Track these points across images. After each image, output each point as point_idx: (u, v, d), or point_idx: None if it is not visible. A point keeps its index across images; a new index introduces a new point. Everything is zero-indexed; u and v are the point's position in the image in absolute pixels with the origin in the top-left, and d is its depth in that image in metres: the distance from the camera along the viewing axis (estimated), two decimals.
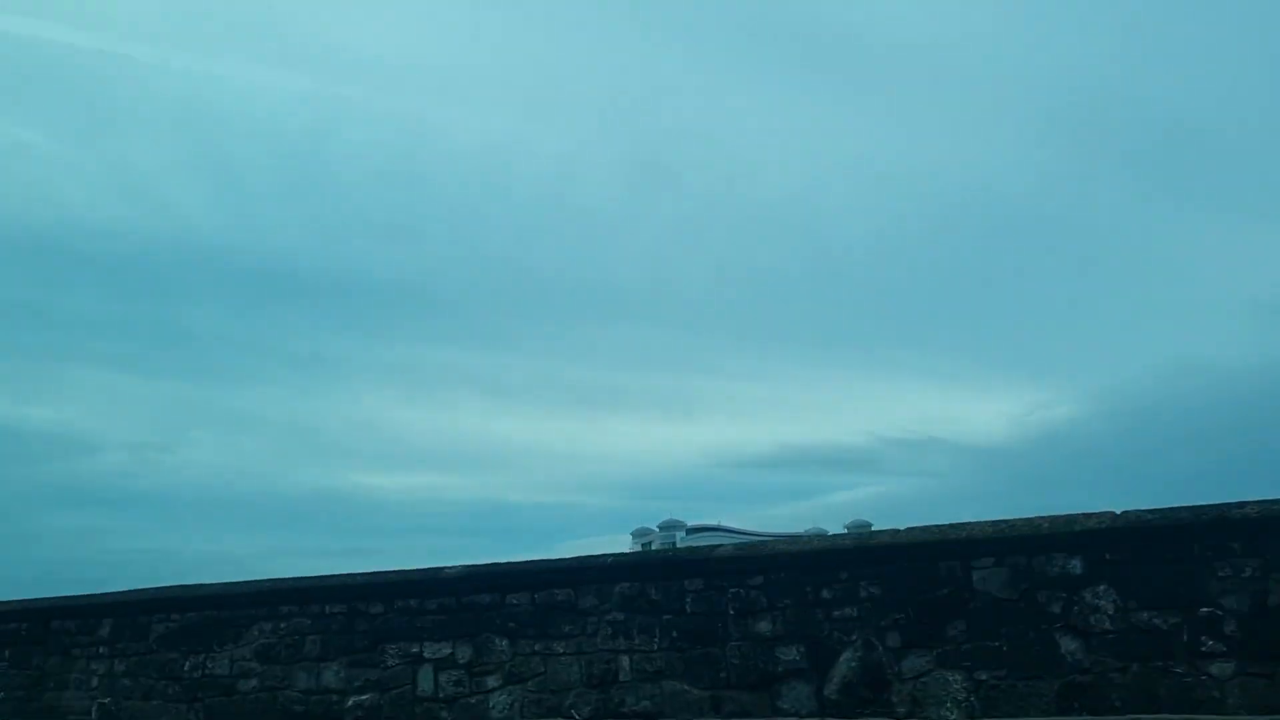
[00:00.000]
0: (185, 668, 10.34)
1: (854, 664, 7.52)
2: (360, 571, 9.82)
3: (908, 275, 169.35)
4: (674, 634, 8.21)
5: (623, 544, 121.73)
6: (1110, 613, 6.86)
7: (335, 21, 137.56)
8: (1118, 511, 7.02)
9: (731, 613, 8.05)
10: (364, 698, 9.29)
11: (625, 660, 8.32)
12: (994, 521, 7.33)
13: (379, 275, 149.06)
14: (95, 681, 10.77)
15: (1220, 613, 6.56)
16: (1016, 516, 7.22)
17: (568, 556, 9.06)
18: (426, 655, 9.15)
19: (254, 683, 9.88)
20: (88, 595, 11.40)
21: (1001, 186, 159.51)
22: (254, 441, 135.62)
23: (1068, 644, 6.94)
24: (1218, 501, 6.67)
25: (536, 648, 8.70)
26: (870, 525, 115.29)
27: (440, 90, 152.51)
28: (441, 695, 8.97)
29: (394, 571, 9.61)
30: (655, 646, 8.24)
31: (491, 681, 8.80)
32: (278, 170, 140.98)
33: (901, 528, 7.73)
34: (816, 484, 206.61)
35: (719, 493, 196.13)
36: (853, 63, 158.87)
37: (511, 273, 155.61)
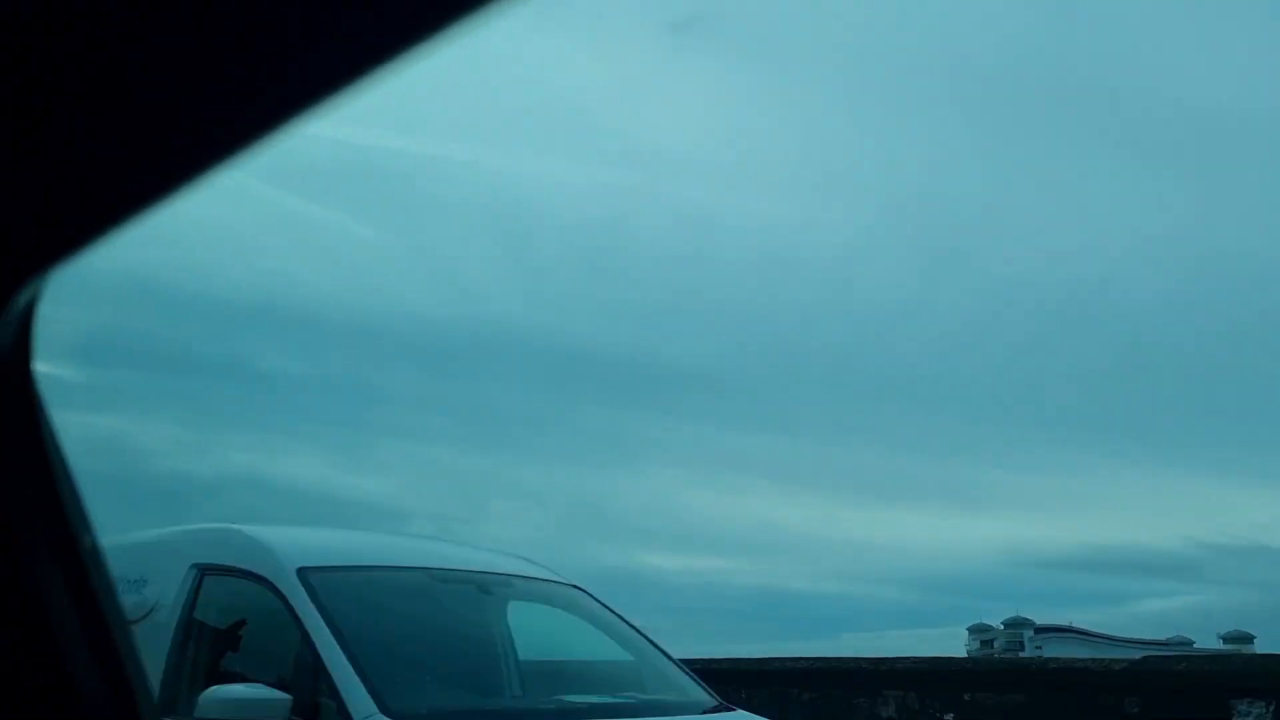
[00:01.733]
0: None
1: None
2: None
3: (1234, 367, 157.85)
4: None
5: (955, 641, 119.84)
6: None
7: (629, 116, 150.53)
8: None
9: None
10: None
11: None
12: None
13: (669, 357, 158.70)
14: None
15: None
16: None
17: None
18: None
19: None
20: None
21: None
22: (548, 515, 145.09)
23: None
24: None
25: None
26: (1253, 638, 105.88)
27: (729, 177, 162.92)
28: None
29: None
30: None
31: None
32: (577, 258, 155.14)
33: None
34: (1125, 590, 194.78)
35: (1016, 592, 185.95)
36: (1169, 137, 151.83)
37: (799, 357, 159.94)
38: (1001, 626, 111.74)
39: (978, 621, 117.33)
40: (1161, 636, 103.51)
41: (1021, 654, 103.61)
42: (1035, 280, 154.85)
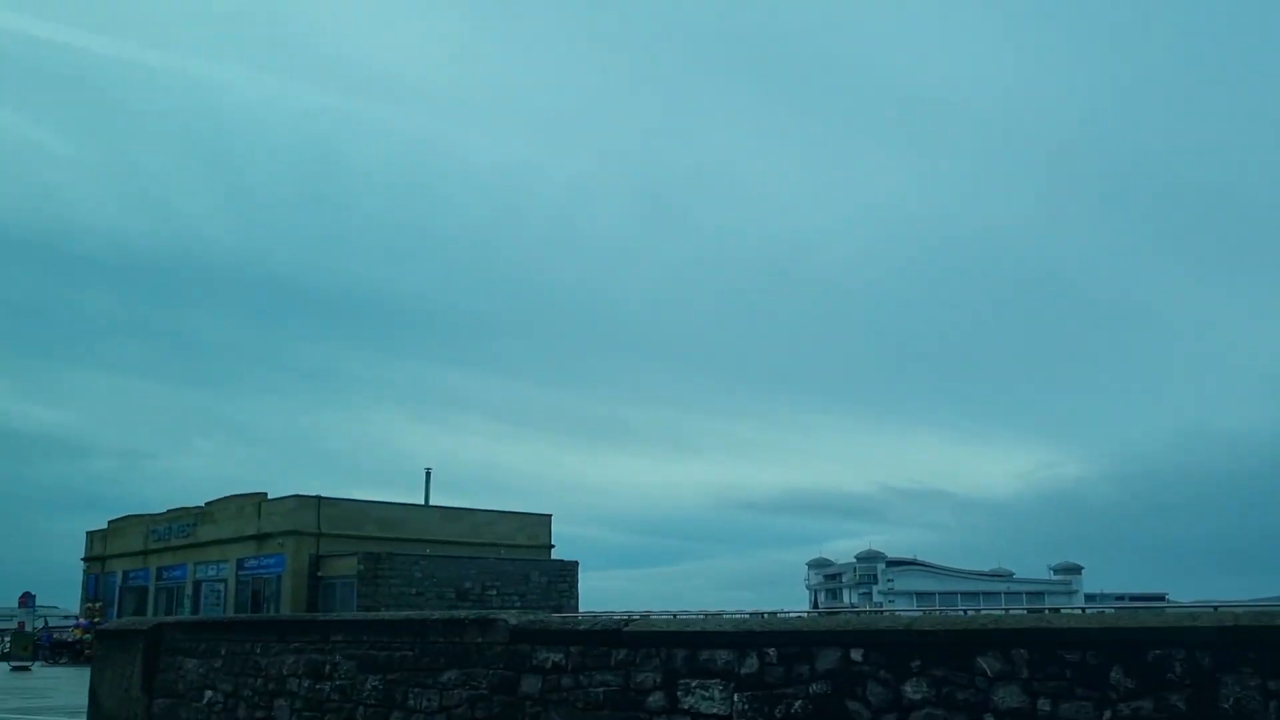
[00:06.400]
0: None
1: None
2: None
3: (918, 326, 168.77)
4: None
5: (794, 579, 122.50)
6: None
7: (352, 37, 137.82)
8: None
9: None
10: None
11: None
12: None
13: (389, 291, 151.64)
14: None
15: None
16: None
17: None
18: None
19: None
20: None
21: (1017, 243, 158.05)
22: (255, 452, 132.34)
23: None
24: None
25: None
26: (1081, 569, 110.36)
27: (455, 111, 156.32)
28: None
29: None
30: None
31: None
32: (289, 182, 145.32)
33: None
34: (821, 530, 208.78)
35: (720, 534, 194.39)
36: (868, 108, 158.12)
37: (519, 297, 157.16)
38: (855, 560, 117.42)
39: (817, 556, 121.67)
40: (985, 568, 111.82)
41: (876, 587, 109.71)
42: (746, 235, 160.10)
